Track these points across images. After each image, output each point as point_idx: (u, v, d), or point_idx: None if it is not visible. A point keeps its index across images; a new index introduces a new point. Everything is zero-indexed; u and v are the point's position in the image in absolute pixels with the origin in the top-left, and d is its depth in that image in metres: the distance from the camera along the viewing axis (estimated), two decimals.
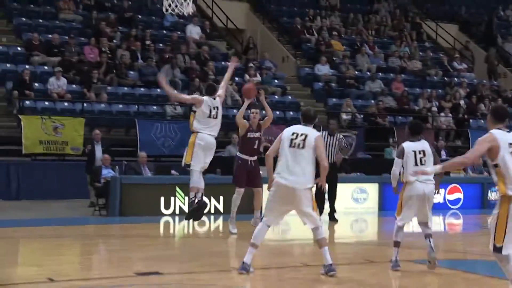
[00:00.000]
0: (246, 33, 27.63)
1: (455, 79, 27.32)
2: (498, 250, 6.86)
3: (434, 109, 24.69)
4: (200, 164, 11.62)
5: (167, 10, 10.85)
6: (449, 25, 31.70)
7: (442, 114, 24.60)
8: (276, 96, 23.16)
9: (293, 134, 8.89)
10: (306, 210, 8.79)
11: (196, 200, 11.73)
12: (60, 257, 10.69)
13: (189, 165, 11.62)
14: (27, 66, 20.39)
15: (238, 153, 12.98)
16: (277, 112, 21.68)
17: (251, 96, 12.90)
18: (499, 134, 6.96)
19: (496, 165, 6.95)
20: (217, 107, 11.75)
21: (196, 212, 11.85)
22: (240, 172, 12.77)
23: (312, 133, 8.89)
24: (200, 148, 11.53)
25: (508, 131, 7.05)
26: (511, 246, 6.84)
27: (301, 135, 8.82)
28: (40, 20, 22.62)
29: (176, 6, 10.56)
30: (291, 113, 22.33)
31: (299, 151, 8.78)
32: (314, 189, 9.15)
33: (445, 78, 27.30)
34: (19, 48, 21.42)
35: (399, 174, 9.55)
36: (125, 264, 9.95)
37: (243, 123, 12.83)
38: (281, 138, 8.92)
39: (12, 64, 20.73)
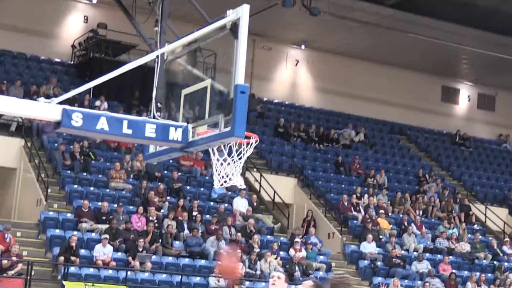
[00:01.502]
0: (293, 207, 27.75)
1: (505, 263, 26.76)
2: None
3: None
4: None
5: (218, 184, 10.95)
6: (499, 208, 31.46)
7: None
8: (321, 273, 22.87)
9: None
10: None
11: None
12: None
13: None
14: (75, 233, 20.63)
15: None
16: None
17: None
18: None
19: None
20: None
21: None
22: None
23: None
24: None
25: None
26: None
27: None
28: (91, 188, 23.09)
29: (225, 181, 10.69)
30: None
31: None
32: None
33: (495, 262, 26.76)
34: (68, 215, 21.76)
35: None
36: None
37: None
38: None
39: (61, 230, 21.00)
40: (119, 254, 20.70)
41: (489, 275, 25.63)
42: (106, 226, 21.25)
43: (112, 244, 20.54)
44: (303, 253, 23.24)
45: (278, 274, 8.68)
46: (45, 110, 8.73)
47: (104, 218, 21.60)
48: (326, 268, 23.35)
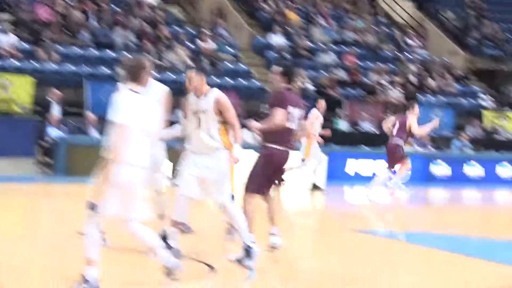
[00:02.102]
0: None
1: (408, 55, 27.57)
2: None
3: (385, 83, 24.90)
4: None
5: None
6: (405, 1, 31.85)
7: (393, 88, 24.83)
8: (229, 64, 23.15)
9: None
10: None
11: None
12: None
13: None
14: None
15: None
16: (229, 80, 21.82)
17: None
18: None
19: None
20: None
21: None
22: None
23: None
24: None
25: None
26: None
27: None
28: None
29: None
30: (243, 81, 22.40)
31: None
32: None
33: (398, 54, 27.50)
34: None
35: None
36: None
37: None
38: None
39: None
40: (25, 45, 20.31)
41: (392, 66, 26.40)
42: (9, 15, 20.68)
43: (16, 34, 20.10)
44: (212, 44, 23.33)
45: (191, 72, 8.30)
46: None
47: (6, 7, 20.94)
48: (234, 59, 23.60)
